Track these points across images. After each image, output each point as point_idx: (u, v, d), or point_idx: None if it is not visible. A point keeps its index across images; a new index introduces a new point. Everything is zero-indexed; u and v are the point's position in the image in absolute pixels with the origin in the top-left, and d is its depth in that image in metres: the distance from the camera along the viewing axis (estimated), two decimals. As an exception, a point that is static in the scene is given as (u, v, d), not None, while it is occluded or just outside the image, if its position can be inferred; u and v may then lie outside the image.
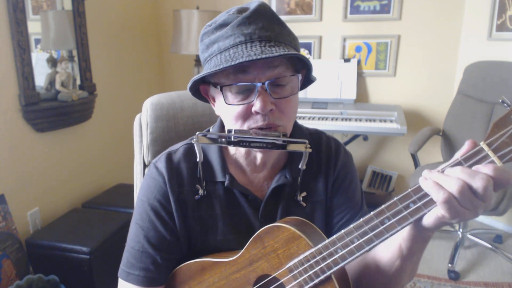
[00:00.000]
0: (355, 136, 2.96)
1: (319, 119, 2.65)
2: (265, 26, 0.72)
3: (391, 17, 2.86)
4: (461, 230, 2.47)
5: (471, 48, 2.74)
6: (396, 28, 2.88)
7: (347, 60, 2.93)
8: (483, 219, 2.83)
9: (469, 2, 2.72)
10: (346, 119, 2.63)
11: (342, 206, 0.87)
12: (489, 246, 2.42)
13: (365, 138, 3.07)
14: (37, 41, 2.20)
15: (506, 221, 2.73)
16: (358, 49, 2.98)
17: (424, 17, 2.82)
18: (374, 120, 2.61)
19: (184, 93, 1.13)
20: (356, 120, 2.62)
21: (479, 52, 2.66)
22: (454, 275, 2.22)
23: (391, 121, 2.59)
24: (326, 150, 0.88)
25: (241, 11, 0.74)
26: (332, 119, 2.64)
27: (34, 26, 2.12)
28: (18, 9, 1.89)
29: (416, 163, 2.49)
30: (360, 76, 3.00)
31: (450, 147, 2.61)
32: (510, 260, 2.35)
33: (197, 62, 2.98)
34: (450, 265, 2.26)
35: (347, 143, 2.97)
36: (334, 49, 3.02)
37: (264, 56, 0.67)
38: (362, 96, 3.04)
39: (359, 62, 2.98)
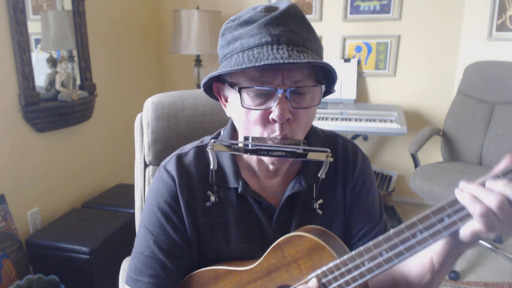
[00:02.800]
0: (355, 136, 2.96)
1: (319, 119, 2.65)
2: (293, 29, 0.67)
3: (391, 17, 2.86)
4: (461, 230, 2.46)
5: (471, 48, 2.74)
6: (396, 28, 2.88)
7: (347, 60, 2.93)
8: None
9: (469, 2, 2.72)
10: (346, 119, 2.63)
11: (361, 215, 0.82)
12: (489, 246, 2.42)
13: (365, 138, 3.07)
14: (37, 41, 2.20)
15: (506, 221, 2.72)
16: (358, 49, 2.98)
17: (424, 17, 2.82)
18: (374, 120, 2.61)
19: (185, 93, 1.13)
20: (356, 120, 2.62)
21: (479, 52, 2.66)
22: (454, 275, 2.22)
23: (391, 121, 2.59)
24: (343, 155, 0.84)
25: (269, 9, 0.69)
26: (332, 119, 2.64)
27: (34, 26, 2.11)
28: (18, 9, 1.89)
29: (416, 163, 2.49)
30: (360, 76, 3.00)
31: (450, 147, 2.61)
32: (510, 260, 2.34)
33: (197, 62, 2.97)
34: (450, 265, 2.26)
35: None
36: (334, 49, 3.01)
37: (291, 61, 0.62)
38: (362, 96, 3.04)
39: (359, 62, 2.98)
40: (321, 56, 0.73)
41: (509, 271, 2.28)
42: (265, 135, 0.70)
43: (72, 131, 2.35)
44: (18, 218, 1.99)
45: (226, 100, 0.77)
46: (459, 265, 2.31)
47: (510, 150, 2.32)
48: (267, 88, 0.67)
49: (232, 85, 0.71)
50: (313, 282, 0.67)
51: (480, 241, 2.43)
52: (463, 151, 2.55)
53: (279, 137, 0.69)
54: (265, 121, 0.69)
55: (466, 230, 0.57)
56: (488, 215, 0.53)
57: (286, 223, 0.79)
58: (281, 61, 0.62)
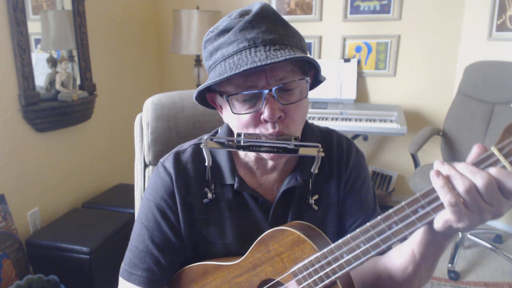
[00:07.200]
0: (355, 136, 2.96)
1: (319, 119, 2.65)
2: (268, 29, 0.69)
3: (391, 17, 2.86)
4: (461, 230, 2.46)
5: (471, 48, 2.74)
6: (396, 28, 2.88)
7: (347, 60, 2.93)
8: (483, 219, 2.82)
9: (469, 2, 2.72)
10: (346, 119, 2.63)
11: (354, 209, 0.83)
12: (489, 246, 2.42)
13: (365, 138, 3.07)
14: (37, 41, 2.20)
15: (506, 221, 2.73)
16: (358, 49, 2.98)
17: (424, 17, 2.82)
18: (374, 120, 2.61)
19: (184, 93, 1.13)
20: (356, 120, 2.62)
21: (479, 52, 2.66)
22: (454, 275, 2.22)
23: (391, 121, 2.59)
24: (337, 150, 0.85)
25: (243, 14, 0.70)
26: (332, 119, 2.64)
27: (34, 26, 2.12)
28: (18, 9, 1.89)
29: (416, 163, 2.49)
30: (360, 76, 3.00)
31: (450, 147, 2.61)
32: (510, 260, 2.34)
33: (197, 62, 2.97)
34: (450, 265, 2.26)
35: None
36: (334, 49, 3.01)
37: (269, 61, 0.64)
38: (362, 96, 3.04)
39: (359, 62, 2.98)
40: (303, 49, 0.74)
41: (509, 271, 2.29)
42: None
43: (72, 131, 2.35)
44: (18, 218, 1.99)
45: (221, 108, 0.79)
46: (459, 265, 2.31)
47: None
48: (253, 91, 0.69)
49: (221, 94, 0.73)
50: (293, 286, 0.69)
51: (480, 241, 2.43)
52: (463, 151, 2.55)
53: (273, 134, 0.70)
54: (257, 122, 0.71)
55: (438, 220, 0.58)
56: (457, 204, 0.54)
57: (282, 218, 0.81)
58: (259, 63, 0.64)
